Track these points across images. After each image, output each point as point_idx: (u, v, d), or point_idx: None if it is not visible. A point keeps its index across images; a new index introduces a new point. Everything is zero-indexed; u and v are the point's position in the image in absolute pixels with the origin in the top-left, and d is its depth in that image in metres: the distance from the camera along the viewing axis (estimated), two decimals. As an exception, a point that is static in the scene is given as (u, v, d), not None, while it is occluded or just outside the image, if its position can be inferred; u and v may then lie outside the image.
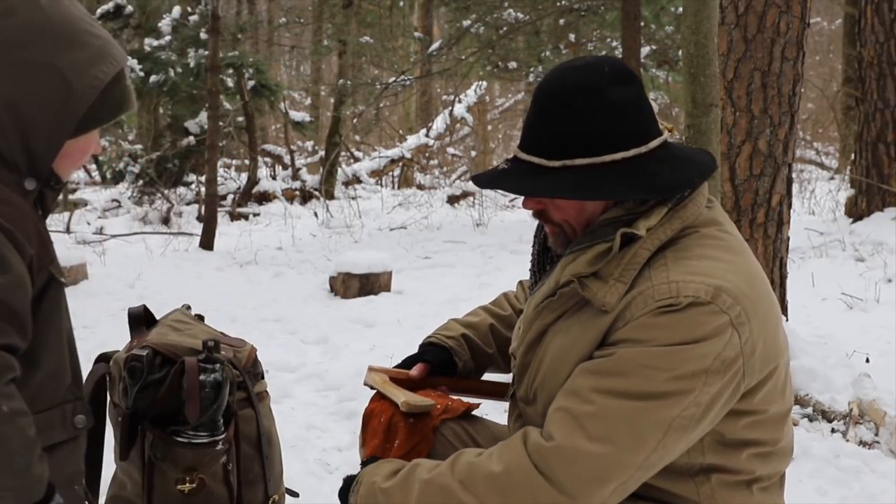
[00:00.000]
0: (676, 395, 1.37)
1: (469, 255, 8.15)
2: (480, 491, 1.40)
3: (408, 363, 1.89)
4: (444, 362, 1.89)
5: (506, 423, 1.78)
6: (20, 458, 1.36)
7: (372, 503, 1.50)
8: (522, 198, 1.57)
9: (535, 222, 1.69)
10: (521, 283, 2.05)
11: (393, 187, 15.98)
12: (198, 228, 9.67)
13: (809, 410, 3.59)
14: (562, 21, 11.94)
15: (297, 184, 13.12)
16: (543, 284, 1.60)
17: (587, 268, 1.47)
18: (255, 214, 11.73)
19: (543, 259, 1.69)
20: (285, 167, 13.95)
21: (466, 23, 11.84)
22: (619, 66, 1.54)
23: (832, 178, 13.37)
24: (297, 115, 14.56)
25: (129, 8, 14.15)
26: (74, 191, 14.66)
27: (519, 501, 1.38)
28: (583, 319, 1.49)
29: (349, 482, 1.60)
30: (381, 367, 1.90)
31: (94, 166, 15.08)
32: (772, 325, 1.47)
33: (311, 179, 13.26)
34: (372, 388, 1.85)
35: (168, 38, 13.34)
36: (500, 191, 1.81)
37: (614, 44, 12.00)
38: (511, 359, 1.68)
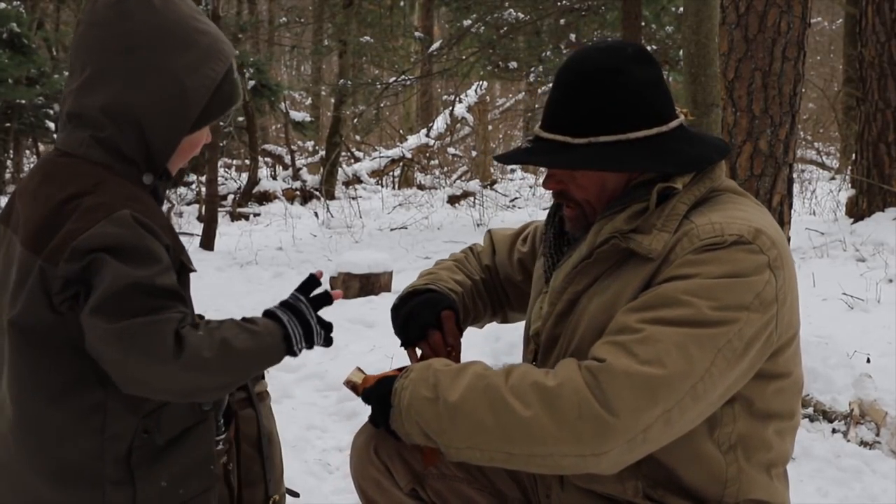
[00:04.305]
0: (721, 324, 1.40)
1: (469, 255, 8.13)
2: (529, 398, 1.41)
3: (431, 309, 1.78)
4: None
5: None
6: (242, 344, 1.47)
7: (422, 384, 1.50)
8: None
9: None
10: (489, 232, 2.04)
11: (393, 187, 15.98)
12: (198, 228, 9.67)
13: (810, 411, 3.58)
14: (562, 21, 11.93)
15: (298, 184, 13.12)
16: (570, 257, 1.61)
17: (626, 224, 1.51)
18: (256, 214, 11.73)
19: (560, 242, 1.71)
20: (286, 167, 13.95)
21: (467, 22, 11.84)
22: (640, 48, 1.61)
23: (833, 179, 13.36)
24: (297, 115, 14.57)
25: (130, 8, 14.15)
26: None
27: (563, 414, 1.38)
28: (623, 275, 1.51)
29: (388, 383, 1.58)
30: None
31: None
32: (795, 285, 1.51)
33: (312, 179, 13.26)
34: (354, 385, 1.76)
35: (168, 37, 13.34)
36: (523, 166, 1.81)
37: (615, 44, 11.99)
38: (529, 342, 1.68)
